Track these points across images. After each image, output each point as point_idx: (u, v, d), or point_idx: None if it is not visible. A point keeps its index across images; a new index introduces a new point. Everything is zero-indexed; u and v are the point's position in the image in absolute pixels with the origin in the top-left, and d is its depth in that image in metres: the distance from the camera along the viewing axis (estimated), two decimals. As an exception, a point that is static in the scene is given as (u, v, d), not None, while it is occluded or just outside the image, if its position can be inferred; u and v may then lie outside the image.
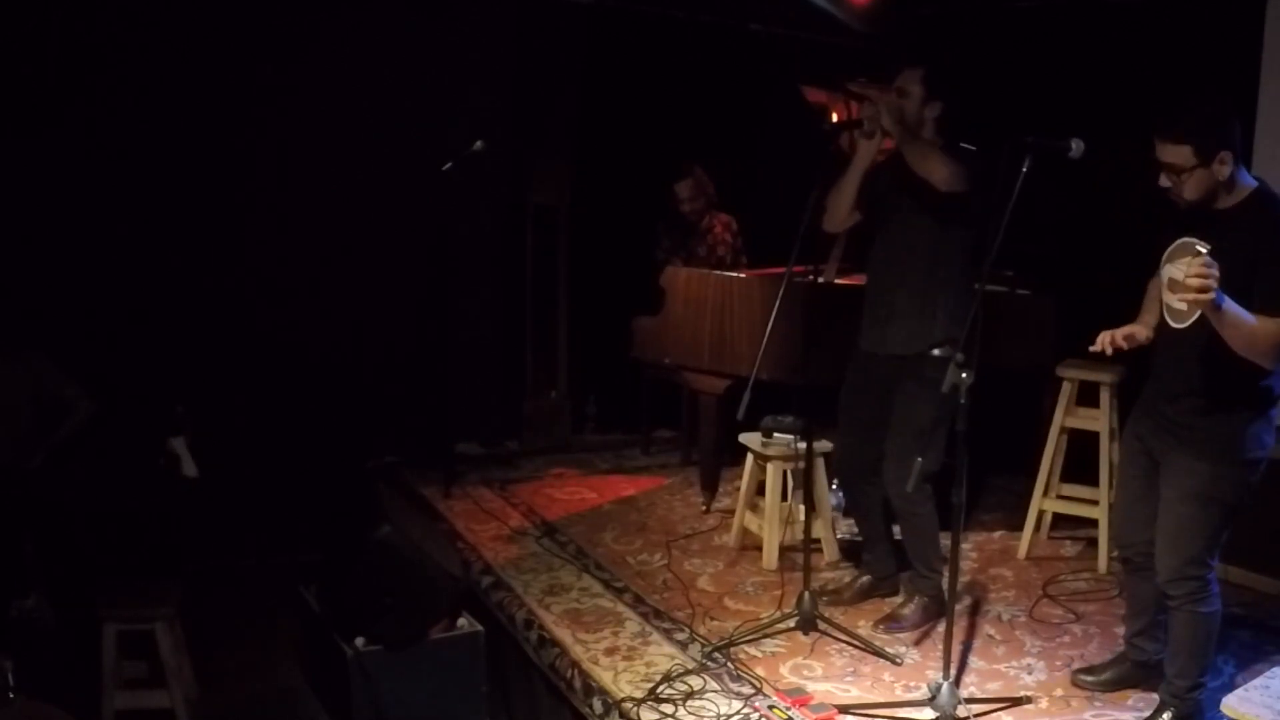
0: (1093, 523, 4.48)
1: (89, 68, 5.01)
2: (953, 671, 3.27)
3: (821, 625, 3.78)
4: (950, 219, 3.60)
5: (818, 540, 4.41)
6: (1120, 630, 3.85)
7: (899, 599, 4.01)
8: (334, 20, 5.49)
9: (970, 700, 3.29)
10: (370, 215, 5.64)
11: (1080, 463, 4.55)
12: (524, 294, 6.07)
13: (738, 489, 4.72)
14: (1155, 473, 3.16)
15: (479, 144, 5.06)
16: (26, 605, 4.34)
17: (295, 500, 4.87)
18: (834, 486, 4.73)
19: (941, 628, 3.38)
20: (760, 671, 3.50)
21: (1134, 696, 3.37)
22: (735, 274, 4.89)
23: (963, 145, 3.70)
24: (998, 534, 4.85)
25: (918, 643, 3.77)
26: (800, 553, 3.95)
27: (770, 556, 4.38)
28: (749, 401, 3.37)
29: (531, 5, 5.94)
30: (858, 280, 4.97)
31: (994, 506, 5.16)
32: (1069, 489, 4.60)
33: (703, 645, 3.68)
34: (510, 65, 5.99)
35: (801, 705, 3.25)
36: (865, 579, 4.11)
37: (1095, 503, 4.45)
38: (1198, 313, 2.83)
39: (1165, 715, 3.16)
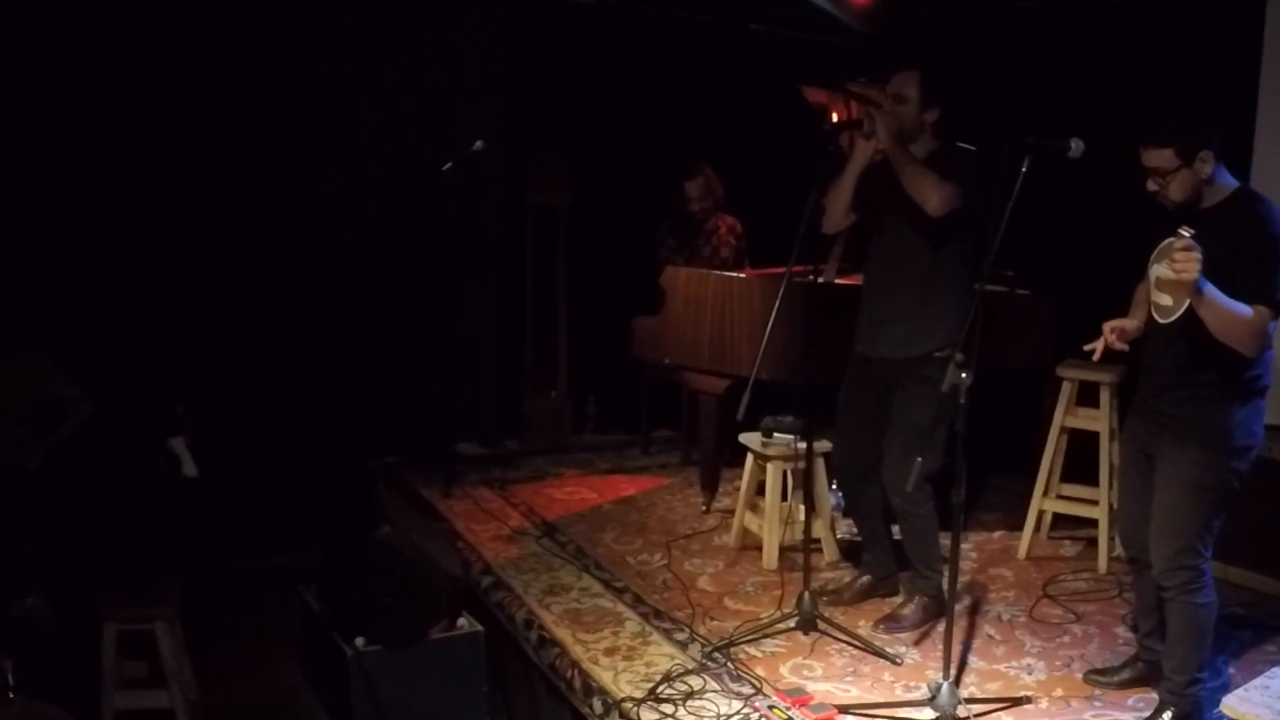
0: (1093, 523, 4.48)
1: (89, 68, 5.01)
2: (953, 671, 3.27)
3: (821, 625, 3.78)
4: (945, 227, 3.59)
5: (818, 540, 4.41)
6: (1120, 630, 3.87)
7: (899, 599, 4.01)
8: (334, 20, 5.49)
9: (970, 700, 3.29)
10: (370, 215, 5.64)
11: (1080, 463, 4.55)
12: (524, 294, 6.06)
13: (738, 489, 4.72)
14: (1150, 470, 3.18)
15: (479, 144, 5.06)
16: (26, 605, 4.34)
17: (295, 500, 4.87)
18: (834, 486, 4.73)
19: (941, 628, 3.38)
20: (760, 671, 3.50)
21: (1134, 696, 3.37)
22: (735, 274, 4.89)
23: (960, 145, 3.70)
24: (998, 534, 4.85)
25: (918, 643, 3.77)
26: (800, 553, 3.95)
27: (770, 556, 4.38)
28: (749, 401, 3.37)
29: (531, 5, 5.94)
30: (858, 280, 4.98)
31: (994, 506, 5.16)
32: (1069, 489, 4.60)
33: (703, 645, 3.68)
34: (510, 65, 5.98)
35: (801, 705, 3.25)
36: (865, 579, 4.11)
37: (1095, 503, 4.45)
38: (1183, 308, 2.90)
39: (1166, 714, 3.16)
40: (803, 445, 3.94)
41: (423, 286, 5.69)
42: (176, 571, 4.07)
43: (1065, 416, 4.47)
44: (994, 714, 3.28)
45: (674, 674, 3.46)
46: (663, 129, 6.10)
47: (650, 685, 3.39)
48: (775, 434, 4.46)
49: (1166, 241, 3.02)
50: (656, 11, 5.92)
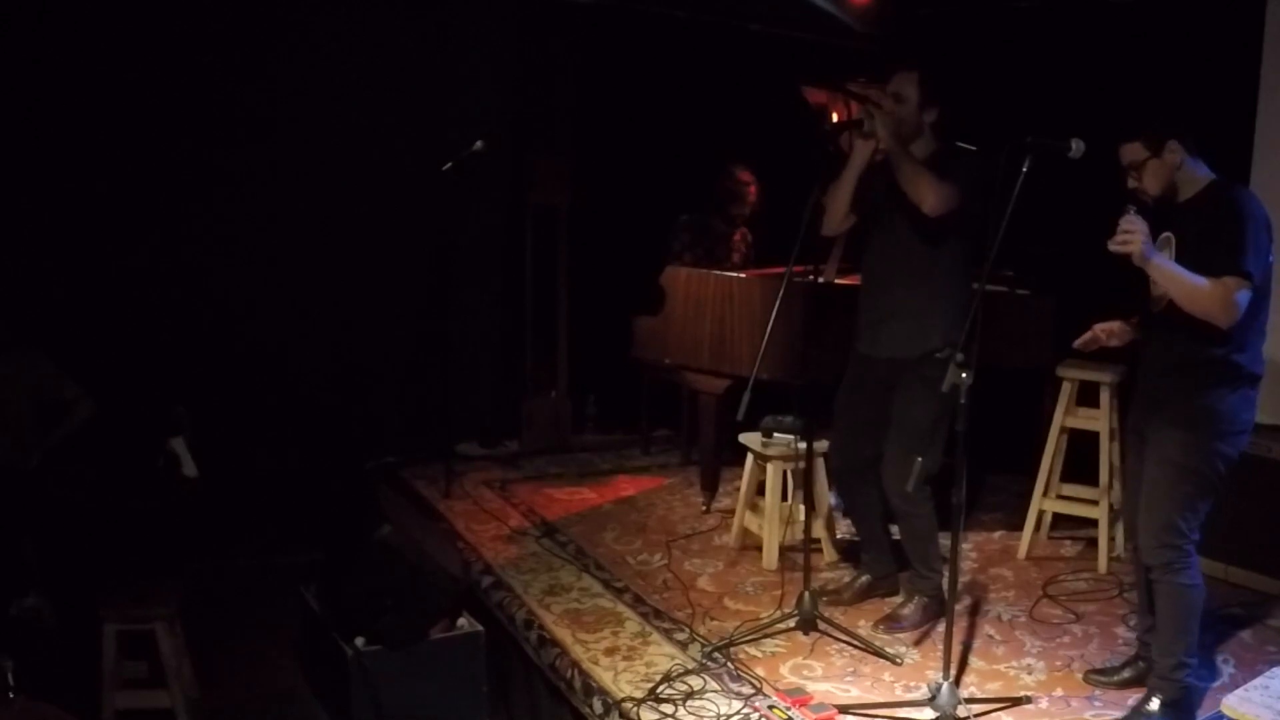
0: (1093, 523, 4.48)
1: (89, 68, 5.02)
2: (953, 671, 3.27)
3: (821, 625, 3.78)
4: (946, 229, 3.59)
5: (818, 540, 4.41)
6: (1120, 630, 3.87)
7: (899, 599, 4.01)
8: (334, 20, 5.49)
9: (970, 700, 3.29)
10: (371, 215, 5.64)
11: (1080, 463, 4.55)
12: (524, 294, 6.07)
13: (738, 489, 4.72)
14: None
15: (479, 144, 5.06)
16: (26, 605, 4.34)
17: (295, 500, 4.87)
18: (834, 486, 4.73)
19: (941, 628, 3.38)
20: (760, 671, 3.50)
21: (1134, 696, 3.36)
22: (735, 274, 4.89)
23: (960, 145, 3.70)
24: (998, 534, 4.85)
25: (918, 643, 3.77)
26: (800, 553, 3.95)
27: (770, 556, 4.38)
28: (749, 401, 3.37)
29: (531, 5, 5.94)
30: (858, 280, 4.98)
31: (994, 506, 5.16)
32: (1069, 489, 4.60)
33: (703, 645, 3.68)
34: (510, 65, 5.99)
35: (801, 705, 3.25)
36: (864, 579, 4.11)
37: (1095, 503, 4.45)
38: (1167, 295, 3.03)
39: (1154, 700, 3.17)
40: (803, 445, 3.94)
41: (423, 286, 5.70)
42: (176, 571, 4.07)
43: (1065, 416, 4.47)
44: (994, 714, 3.28)
45: (674, 674, 3.46)
46: (663, 129, 6.10)
47: (650, 685, 3.39)
48: (775, 434, 4.46)
49: (1160, 238, 3.09)
50: (657, 11, 5.92)
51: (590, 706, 3.39)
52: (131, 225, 5.13)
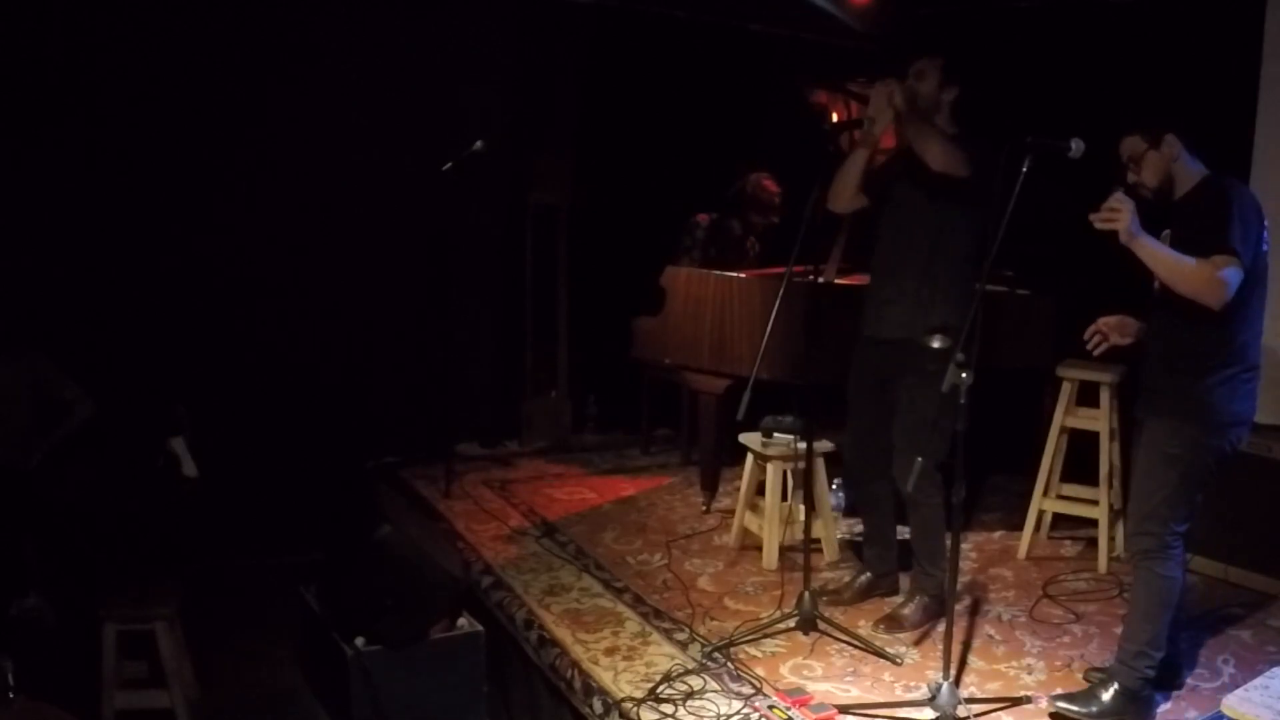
0: (1093, 523, 4.48)
1: (89, 68, 5.02)
2: (953, 671, 3.27)
3: (821, 625, 3.78)
4: (951, 204, 3.59)
5: (818, 540, 4.41)
6: (1120, 630, 3.85)
7: (899, 599, 4.00)
8: (334, 20, 5.49)
9: (970, 700, 3.29)
10: (371, 215, 5.64)
11: (1080, 463, 4.55)
12: (524, 294, 6.07)
13: (738, 489, 4.72)
14: None
15: (479, 144, 5.06)
16: (26, 605, 4.34)
17: (295, 500, 4.87)
18: (834, 486, 4.74)
19: (941, 628, 3.38)
20: (760, 671, 3.50)
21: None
22: (735, 274, 4.89)
23: (977, 137, 3.70)
24: (998, 534, 4.85)
25: (918, 643, 3.77)
26: (800, 553, 3.94)
27: (770, 556, 4.38)
28: (749, 401, 3.37)
29: (531, 5, 5.94)
30: (858, 280, 4.98)
31: (994, 506, 5.16)
32: (1069, 489, 4.60)
33: (703, 645, 3.68)
34: (510, 65, 5.99)
35: (801, 705, 3.25)
36: (865, 577, 4.11)
37: (1095, 503, 4.45)
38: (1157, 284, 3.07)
39: (1110, 687, 3.18)
40: (803, 445, 3.94)
41: (423, 286, 5.69)
42: (176, 571, 4.07)
43: (1065, 416, 4.47)
44: (994, 714, 3.28)
45: (674, 674, 3.46)
46: (663, 129, 6.10)
47: (650, 685, 3.39)
48: (775, 434, 4.46)
49: (1163, 234, 3.11)
50: (657, 11, 5.92)
51: (590, 706, 3.39)
52: (132, 225, 5.12)
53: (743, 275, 4.86)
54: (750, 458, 4.53)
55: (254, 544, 4.88)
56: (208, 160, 5.25)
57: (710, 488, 5.06)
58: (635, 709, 3.26)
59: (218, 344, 5.29)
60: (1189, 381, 3.08)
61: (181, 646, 3.90)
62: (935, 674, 3.32)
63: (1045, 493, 4.57)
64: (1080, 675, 3.52)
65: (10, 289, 4.68)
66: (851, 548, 4.59)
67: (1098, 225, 2.93)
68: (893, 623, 3.85)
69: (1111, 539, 4.44)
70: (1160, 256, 2.95)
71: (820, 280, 4.46)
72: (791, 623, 3.79)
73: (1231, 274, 2.90)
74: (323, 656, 3.89)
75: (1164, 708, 3.32)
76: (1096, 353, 3.40)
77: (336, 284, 5.58)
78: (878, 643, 3.70)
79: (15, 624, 4.28)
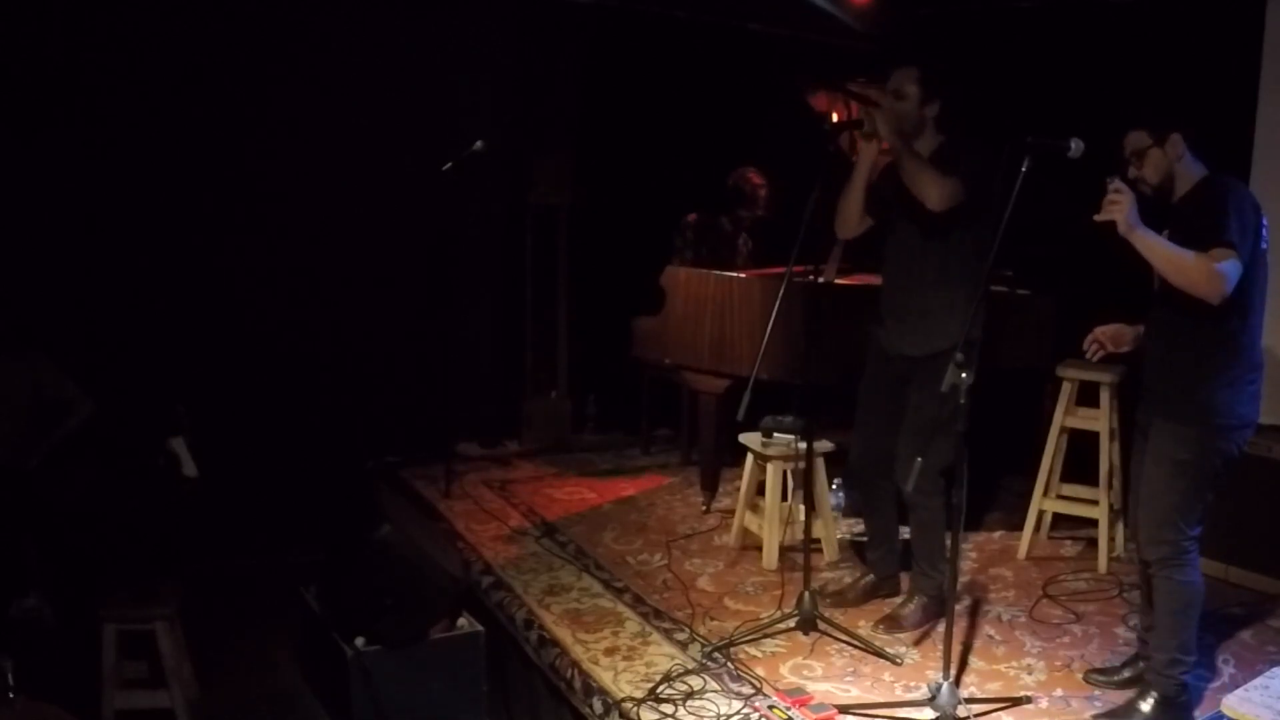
0: (1093, 523, 4.48)
1: (89, 68, 5.02)
2: (953, 671, 3.27)
3: (821, 625, 3.78)
4: (953, 222, 3.59)
5: (818, 540, 4.41)
6: (1120, 630, 3.87)
7: (899, 599, 4.00)
8: (334, 20, 5.49)
9: (970, 700, 3.28)
10: (371, 215, 5.64)
11: (1080, 463, 4.55)
12: (524, 294, 6.07)
13: (738, 489, 4.72)
14: None
15: (479, 144, 5.06)
16: (26, 605, 4.34)
17: (295, 500, 4.87)
18: (834, 486, 4.73)
19: (941, 628, 3.38)
20: (760, 671, 3.50)
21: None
22: (735, 274, 4.89)
23: (965, 139, 3.69)
24: (998, 534, 4.85)
25: (918, 643, 3.77)
26: (800, 553, 3.94)
27: (770, 556, 4.38)
28: (749, 401, 3.37)
29: (531, 5, 5.94)
30: (858, 280, 4.99)
31: (994, 506, 5.16)
32: (1069, 489, 4.60)
33: (703, 645, 3.68)
34: (510, 65, 5.99)
35: (801, 705, 3.25)
36: (868, 579, 4.11)
37: (1095, 503, 4.45)
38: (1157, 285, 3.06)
39: (1149, 697, 3.17)
40: (803, 445, 3.94)
41: (423, 286, 5.69)
42: (176, 571, 4.07)
43: (1065, 416, 4.47)
44: (994, 714, 3.28)
45: (674, 674, 3.46)
46: (663, 129, 6.10)
47: (650, 685, 3.39)
48: (775, 434, 4.46)
49: (1163, 233, 3.08)
50: (657, 11, 5.92)
51: (590, 706, 3.39)
52: (132, 225, 5.12)
53: (743, 275, 4.86)
54: (750, 458, 4.53)
55: (254, 544, 4.87)
56: (207, 160, 5.25)
57: (710, 488, 5.06)
58: (635, 709, 3.26)
59: (218, 344, 5.29)
60: (1192, 383, 3.07)
61: (181, 646, 3.90)
62: (935, 674, 3.32)
63: (1045, 493, 4.57)
64: (1080, 676, 3.52)
65: (10, 289, 4.68)
66: (851, 548, 4.59)
67: (1097, 218, 2.92)
68: (892, 623, 3.85)
69: (1111, 539, 4.44)
70: (1158, 249, 2.94)
71: (820, 280, 4.46)
72: (791, 623, 3.79)
73: (1230, 267, 2.89)
74: (323, 656, 3.89)
75: (1164, 708, 3.32)
76: (1094, 360, 3.41)
77: (336, 284, 5.58)
78: (878, 643, 3.70)
79: (15, 624, 4.28)
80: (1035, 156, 3.01)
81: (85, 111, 5.02)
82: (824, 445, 4.31)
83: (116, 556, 4.39)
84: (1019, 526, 4.66)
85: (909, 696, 3.35)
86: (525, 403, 6.12)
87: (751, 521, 4.57)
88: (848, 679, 3.50)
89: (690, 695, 3.34)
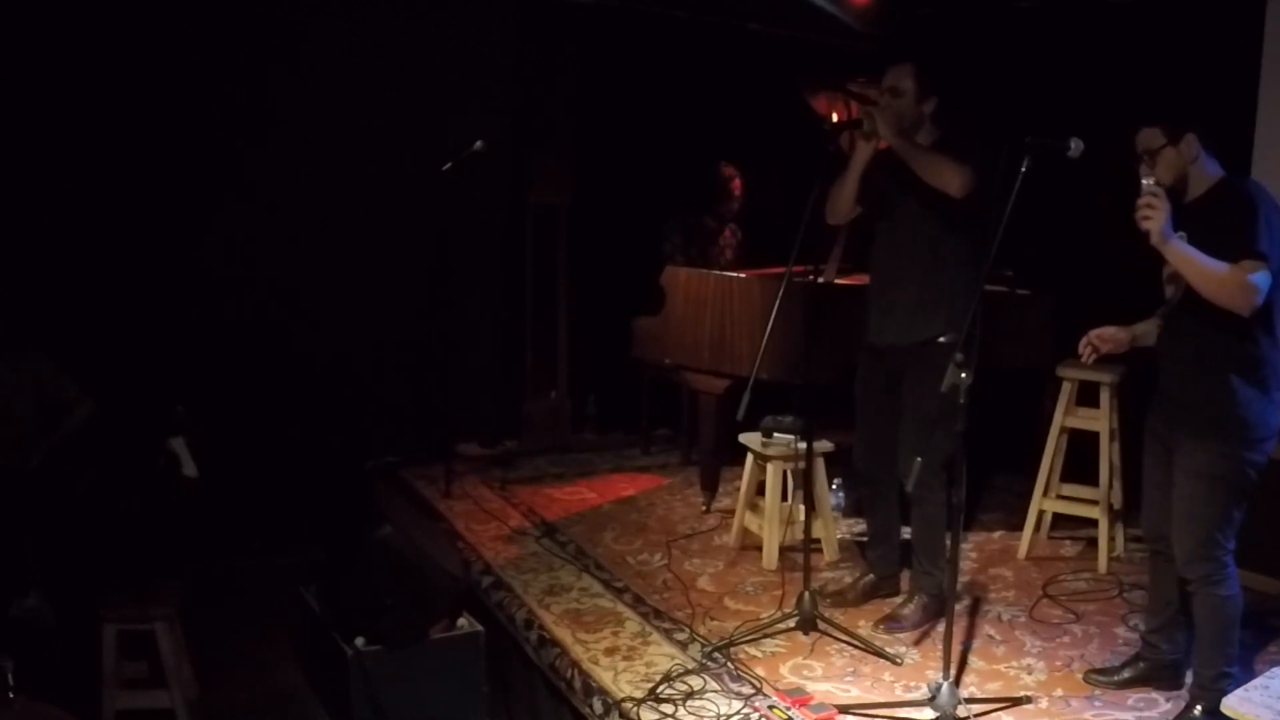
0: (1093, 523, 4.48)
1: (89, 68, 5.02)
2: (953, 671, 3.27)
3: (821, 625, 3.78)
4: (947, 210, 3.60)
5: (818, 540, 4.41)
6: (1120, 630, 3.86)
7: (900, 598, 4.00)
8: (334, 20, 5.49)
9: (970, 700, 3.28)
10: (370, 215, 5.64)
11: (1080, 463, 4.55)
12: (524, 294, 6.07)
13: (738, 489, 4.72)
14: (1170, 464, 3.19)
15: (479, 144, 5.06)
16: (26, 605, 4.34)
17: (295, 500, 4.87)
18: (834, 486, 4.73)
19: (941, 628, 3.37)
20: (760, 671, 3.50)
21: (1134, 696, 3.37)
22: (735, 274, 4.89)
23: (963, 136, 3.70)
24: (998, 534, 4.85)
25: (918, 643, 3.77)
26: (800, 553, 3.94)
27: (770, 556, 4.38)
28: (749, 401, 3.37)
29: (531, 5, 5.94)
30: (858, 280, 4.98)
31: (994, 506, 5.16)
32: (1069, 489, 4.59)
33: (703, 645, 3.68)
34: (510, 65, 5.99)
35: (801, 705, 3.25)
36: (869, 579, 4.11)
37: (1095, 503, 4.45)
38: (1179, 294, 3.00)
39: (1197, 709, 3.16)
40: (803, 445, 3.94)
41: (423, 286, 5.69)
42: (176, 571, 4.07)
43: (1065, 416, 4.47)
44: (994, 714, 3.28)
45: (674, 674, 3.46)
46: (663, 129, 6.10)
47: (650, 685, 3.39)
48: (775, 434, 4.46)
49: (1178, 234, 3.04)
50: (657, 11, 5.92)
51: (590, 706, 3.39)
52: (132, 226, 5.12)
53: (742, 275, 4.86)
54: (750, 458, 4.53)
55: (254, 544, 4.88)
56: (207, 160, 5.25)
57: (710, 488, 5.06)
58: (635, 709, 3.26)
59: (218, 344, 5.29)
60: (1225, 398, 3.01)
61: (181, 646, 3.90)
62: (935, 674, 3.32)
63: (1045, 493, 4.57)
64: (1080, 676, 3.52)
65: (10, 289, 4.68)
66: (851, 548, 4.59)
67: (1141, 225, 2.85)
68: (892, 622, 3.85)
69: (1111, 539, 4.44)
70: (1194, 262, 2.86)
71: (820, 280, 4.47)
72: (791, 623, 3.79)
73: (1261, 279, 2.84)
74: (323, 656, 3.89)
75: (1164, 708, 3.32)
76: (1088, 362, 3.36)
77: (337, 284, 5.58)
78: (878, 643, 3.70)
79: (15, 624, 4.28)
80: (1035, 156, 3.01)
81: (85, 112, 5.01)
82: (824, 445, 4.31)
83: (116, 556, 4.39)
84: (1019, 526, 4.65)
85: (909, 696, 3.35)
86: (525, 403, 6.11)
87: (751, 521, 4.57)
88: (848, 679, 3.50)
89: (690, 695, 3.34)
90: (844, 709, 3.27)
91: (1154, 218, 2.81)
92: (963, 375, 3.00)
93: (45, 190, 4.95)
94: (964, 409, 3.07)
